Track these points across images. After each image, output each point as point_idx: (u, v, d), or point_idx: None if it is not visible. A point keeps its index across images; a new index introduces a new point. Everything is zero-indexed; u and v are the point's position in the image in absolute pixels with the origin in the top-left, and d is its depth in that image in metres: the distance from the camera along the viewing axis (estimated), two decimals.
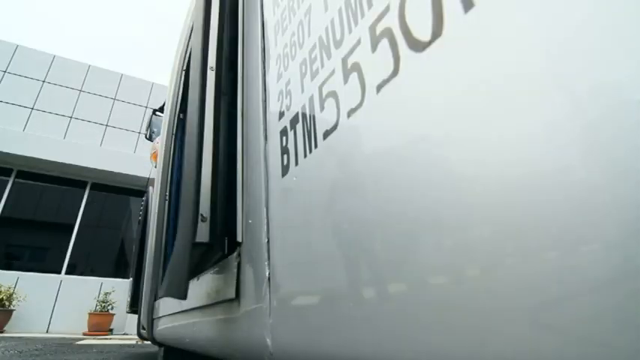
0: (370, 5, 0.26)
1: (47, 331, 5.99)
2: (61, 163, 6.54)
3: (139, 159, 7.16)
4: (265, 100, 0.35)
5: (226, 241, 0.50)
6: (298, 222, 0.27)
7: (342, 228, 0.24)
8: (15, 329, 5.62)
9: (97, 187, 7.14)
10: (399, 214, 0.23)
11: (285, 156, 0.30)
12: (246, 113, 0.40)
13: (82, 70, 7.42)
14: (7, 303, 5.45)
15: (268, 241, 0.30)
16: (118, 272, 6.97)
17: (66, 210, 6.82)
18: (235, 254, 0.36)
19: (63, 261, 6.45)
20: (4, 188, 6.41)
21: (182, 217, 0.46)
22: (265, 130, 0.34)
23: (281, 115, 0.32)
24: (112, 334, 6.20)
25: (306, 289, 0.26)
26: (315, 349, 0.25)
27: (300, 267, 0.27)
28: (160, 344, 0.96)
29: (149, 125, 3.92)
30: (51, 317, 6.05)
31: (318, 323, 0.25)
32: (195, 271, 0.62)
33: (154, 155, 1.45)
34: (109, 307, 6.12)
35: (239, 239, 0.37)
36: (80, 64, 7.44)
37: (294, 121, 0.29)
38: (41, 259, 6.58)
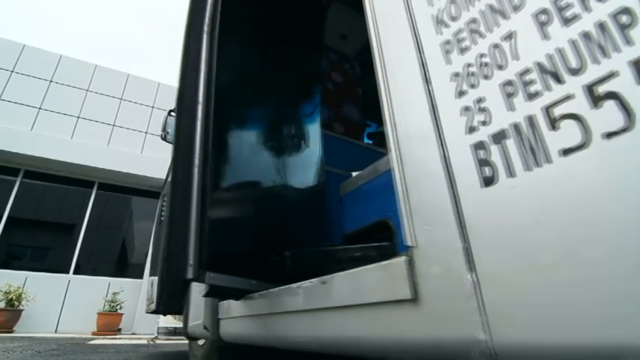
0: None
1: (56, 331, 5.98)
2: (69, 163, 6.53)
3: (146, 159, 7.17)
4: (437, 119, 0.38)
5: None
6: (515, 230, 0.30)
7: (572, 236, 0.27)
8: (24, 329, 5.62)
9: (104, 187, 7.13)
10: None
11: (487, 168, 0.32)
12: (402, 128, 0.43)
13: (89, 70, 7.41)
14: (16, 303, 5.44)
15: (467, 246, 0.33)
16: (126, 272, 6.97)
17: (73, 210, 6.81)
18: (404, 258, 0.39)
19: (71, 261, 6.45)
20: (12, 188, 6.40)
21: None
22: (443, 145, 0.37)
23: (471, 129, 0.34)
24: (120, 333, 6.20)
25: (526, 286, 0.29)
26: (541, 340, 0.28)
27: (516, 268, 0.30)
28: (226, 344, 0.98)
29: (164, 126, 3.93)
30: (59, 317, 6.05)
31: (539, 315, 0.28)
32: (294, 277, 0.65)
33: None
34: (118, 307, 6.12)
35: (409, 243, 0.39)
36: (87, 64, 7.43)
37: (499, 136, 0.32)
38: (49, 258, 6.57)
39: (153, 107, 7.75)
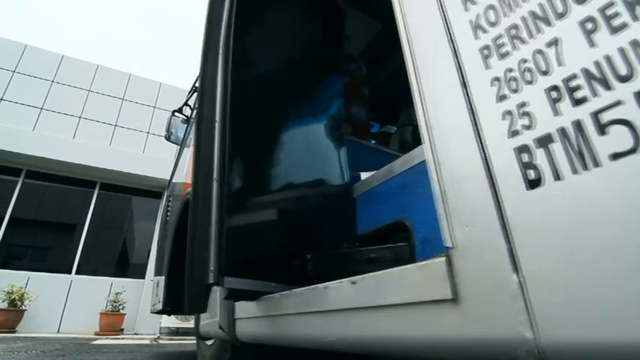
0: None
1: (58, 331, 5.99)
2: (71, 163, 6.53)
3: (148, 159, 7.17)
4: (476, 122, 0.39)
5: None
6: (562, 231, 0.31)
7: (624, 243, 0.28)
8: (26, 329, 5.62)
9: (106, 187, 7.13)
10: None
11: (532, 171, 0.33)
12: (437, 131, 0.44)
13: (91, 70, 7.41)
14: (19, 303, 5.44)
15: (511, 247, 0.34)
16: (128, 272, 6.98)
17: (75, 210, 6.82)
18: (443, 259, 0.40)
19: (73, 261, 6.45)
20: (14, 188, 6.40)
21: None
22: (483, 148, 0.38)
23: (514, 133, 0.35)
24: (122, 333, 6.21)
25: (573, 286, 0.30)
26: (588, 338, 0.29)
27: (563, 269, 0.30)
28: (242, 343, 0.98)
29: (168, 126, 3.94)
30: (62, 317, 6.05)
31: (586, 313, 0.29)
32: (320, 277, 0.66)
33: None
34: (120, 307, 6.12)
35: (448, 244, 0.40)
36: (88, 64, 7.43)
37: (544, 140, 0.33)
38: (51, 259, 6.57)
39: (154, 107, 7.76)
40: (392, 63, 2.58)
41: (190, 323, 6.50)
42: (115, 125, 7.30)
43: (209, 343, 1.89)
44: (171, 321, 6.05)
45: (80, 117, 7.05)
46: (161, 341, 5.10)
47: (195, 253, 0.76)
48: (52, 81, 6.98)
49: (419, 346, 0.42)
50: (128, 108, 7.54)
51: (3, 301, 5.36)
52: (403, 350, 0.45)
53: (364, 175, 1.19)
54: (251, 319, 0.91)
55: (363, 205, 1.10)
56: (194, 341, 5.36)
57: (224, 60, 0.92)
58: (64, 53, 7.23)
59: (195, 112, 3.08)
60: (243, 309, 0.96)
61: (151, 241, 7.05)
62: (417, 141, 1.92)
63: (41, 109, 6.73)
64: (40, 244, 6.73)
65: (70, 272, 6.38)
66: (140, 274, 6.87)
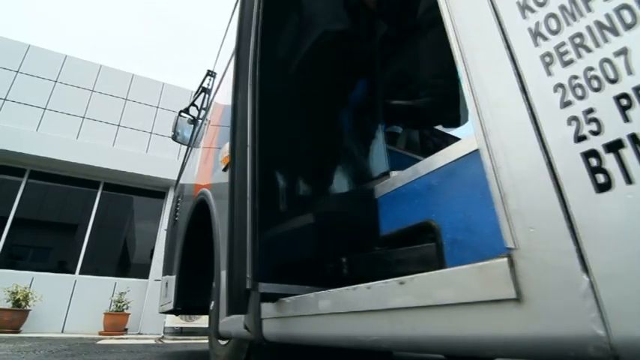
0: None
1: (62, 331, 6.00)
2: (74, 163, 6.54)
3: (151, 159, 7.18)
4: (538, 127, 0.40)
5: None
6: (634, 233, 0.32)
7: None
8: (30, 329, 5.63)
9: (109, 187, 7.14)
10: None
11: (601, 175, 0.35)
12: (494, 136, 0.45)
13: (94, 71, 7.41)
14: (23, 303, 5.45)
15: (580, 248, 0.35)
16: (132, 272, 6.98)
17: (79, 210, 6.82)
18: (505, 259, 0.41)
19: (77, 261, 6.46)
20: (18, 189, 6.40)
21: None
22: (547, 153, 0.39)
23: (580, 138, 0.37)
24: (127, 333, 6.22)
25: None
26: None
27: (637, 269, 0.32)
28: (268, 343, 1.00)
29: (175, 126, 3.95)
30: (66, 317, 6.06)
31: None
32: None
33: (225, 159, 1.50)
34: (124, 307, 6.13)
35: (510, 245, 0.42)
36: (92, 64, 7.44)
37: (614, 146, 0.34)
38: (55, 259, 6.58)
39: (157, 107, 7.76)
40: (397, 63, 2.61)
41: (194, 323, 6.51)
42: (118, 125, 7.31)
43: (223, 342, 1.89)
44: (175, 321, 6.06)
45: (83, 117, 7.05)
46: (166, 341, 5.11)
47: (234, 262, 0.88)
48: (56, 81, 6.99)
49: (479, 343, 0.44)
50: (131, 108, 7.55)
51: (7, 302, 5.37)
52: (462, 347, 0.46)
53: (391, 175, 1.20)
54: (281, 319, 0.93)
55: (386, 206, 1.11)
56: (198, 341, 5.37)
57: (253, 85, 0.98)
58: (66, 53, 7.24)
59: (203, 114, 3.09)
60: (272, 309, 0.97)
61: (154, 241, 7.06)
62: (423, 142, 1.93)
63: (44, 109, 6.74)
64: (44, 244, 6.73)
65: (74, 272, 6.38)
66: (143, 273, 6.88)
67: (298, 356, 1.30)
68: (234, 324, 1.26)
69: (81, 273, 6.44)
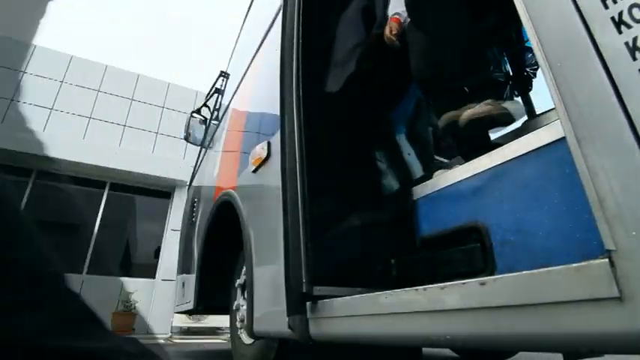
0: None
1: None
2: (81, 164, 6.55)
3: (157, 159, 7.20)
4: (637, 133, 0.42)
5: None
6: None
7: None
8: None
9: (116, 187, 7.16)
10: None
11: None
12: (586, 140, 0.48)
13: (100, 71, 7.42)
14: None
15: None
16: (139, 272, 7.00)
17: (86, 210, 6.83)
18: (605, 260, 0.44)
19: (84, 260, 6.47)
20: (25, 189, 6.41)
21: None
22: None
23: None
24: (134, 333, 6.23)
25: None
26: None
27: None
28: (316, 343, 1.02)
29: (187, 127, 3.96)
30: None
31: None
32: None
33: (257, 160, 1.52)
34: (132, 307, 6.15)
35: (610, 247, 0.44)
36: (97, 65, 7.44)
37: None
38: (63, 259, 6.58)
39: (163, 107, 7.78)
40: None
41: (201, 323, 6.55)
42: (125, 125, 7.32)
43: (248, 342, 1.90)
44: (183, 320, 6.08)
45: (90, 117, 7.06)
46: (175, 340, 5.13)
47: (290, 267, 0.96)
48: (62, 81, 7.00)
49: (576, 340, 0.46)
50: (137, 108, 7.56)
51: None
52: (554, 344, 0.48)
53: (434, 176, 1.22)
54: (334, 318, 0.95)
55: (428, 207, 1.13)
56: (210, 340, 5.36)
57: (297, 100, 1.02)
58: (72, 54, 7.25)
59: (217, 114, 3.11)
60: (321, 309, 0.99)
61: (161, 241, 7.08)
62: (462, 144, 1.94)
63: (51, 109, 6.75)
64: (51, 244, 6.73)
65: (81, 272, 6.40)
66: (150, 273, 6.90)
67: (334, 356, 1.32)
68: (273, 324, 1.29)
69: (88, 273, 6.45)
